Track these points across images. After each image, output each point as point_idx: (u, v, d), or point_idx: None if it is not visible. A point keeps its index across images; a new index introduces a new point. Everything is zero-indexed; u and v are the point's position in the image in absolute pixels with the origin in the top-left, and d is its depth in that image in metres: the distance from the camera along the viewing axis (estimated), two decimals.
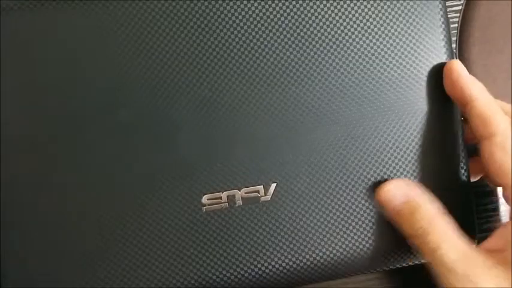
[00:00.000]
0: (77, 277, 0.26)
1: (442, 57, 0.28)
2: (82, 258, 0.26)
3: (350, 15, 0.27)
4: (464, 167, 0.29)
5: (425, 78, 0.28)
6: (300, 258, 0.28)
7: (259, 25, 0.27)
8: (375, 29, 0.28)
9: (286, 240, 0.27)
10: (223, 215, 0.27)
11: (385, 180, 0.28)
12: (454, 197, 0.29)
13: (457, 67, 0.27)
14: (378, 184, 0.28)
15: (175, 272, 0.27)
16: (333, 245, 0.28)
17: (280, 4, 0.27)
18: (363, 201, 0.28)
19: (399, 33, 0.28)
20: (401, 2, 0.28)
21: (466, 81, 0.27)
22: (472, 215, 0.29)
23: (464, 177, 0.29)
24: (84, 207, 0.26)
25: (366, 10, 0.27)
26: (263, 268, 0.27)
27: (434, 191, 0.27)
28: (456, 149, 0.28)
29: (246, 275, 0.27)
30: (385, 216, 0.28)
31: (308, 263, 0.28)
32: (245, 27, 0.27)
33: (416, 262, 0.29)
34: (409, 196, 0.27)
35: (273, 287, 0.28)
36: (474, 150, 0.33)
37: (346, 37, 0.27)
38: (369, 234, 0.28)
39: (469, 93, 0.27)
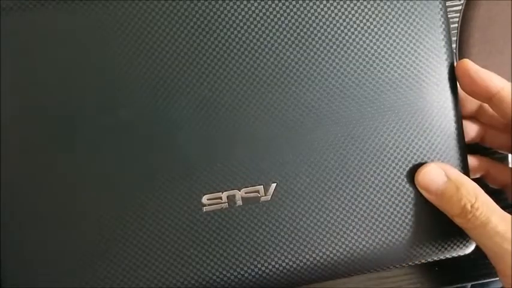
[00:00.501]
0: (77, 277, 0.26)
1: (442, 57, 0.28)
2: (82, 258, 0.26)
3: (350, 15, 0.27)
4: (464, 166, 0.29)
5: (425, 78, 0.28)
6: (300, 258, 0.28)
7: (259, 25, 0.27)
8: (375, 29, 0.28)
9: (286, 240, 0.27)
10: (223, 215, 0.27)
11: (385, 180, 0.28)
12: None
13: (472, 65, 0.28)
14: (377, 184, 0.28)
15: (175, 272, 0.27)
16: (333, 245, 0.28)
17: (280, 4, 0.27)
18: (362, 201, 0.28)
19: (399, 33, 0.28)
20: (401, 2, 0.28)
21: (486, 75, 0.28)
22: None
23: None
24: (84, 207, 0.26)
25: (366, 10, 0.27)
26: (263, 268, 0.27)
27: None
28: (456, 148, 0.28)
29: (246, 275, 0.27)
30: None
31: (308, 263, 0.28)
32: (245, 27, 0.27)
33: (416, 262, 0.29)
34: (449, 175, 0.27)
35: (273, 287, 0.28)
36: (474, 149, 0.33)
37: (346, 37, 0.27)
38: (369, 234, 0.28)
39: (492, 84, 0.28)
